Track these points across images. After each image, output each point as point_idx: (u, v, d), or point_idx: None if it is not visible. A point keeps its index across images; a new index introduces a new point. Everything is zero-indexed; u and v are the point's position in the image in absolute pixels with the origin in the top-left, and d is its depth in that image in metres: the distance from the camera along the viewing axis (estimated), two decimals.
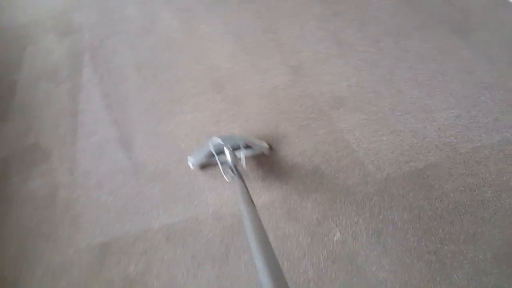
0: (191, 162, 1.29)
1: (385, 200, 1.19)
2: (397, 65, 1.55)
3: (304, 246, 1.10)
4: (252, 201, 0.91)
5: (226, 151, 1.17)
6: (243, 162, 1.20)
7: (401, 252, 1.09)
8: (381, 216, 1.16)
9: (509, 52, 1.57)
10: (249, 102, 1.48)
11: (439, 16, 1.72)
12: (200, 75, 1.59)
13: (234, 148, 1.20)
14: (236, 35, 1.72)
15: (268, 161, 1.30)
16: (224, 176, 1.18)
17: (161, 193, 1.27)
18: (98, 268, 1.14)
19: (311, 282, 1.05)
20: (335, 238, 1.11)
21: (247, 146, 1.25)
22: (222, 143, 1.18)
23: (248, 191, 0.98)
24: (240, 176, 1.07)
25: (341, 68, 1.56)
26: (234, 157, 1.15)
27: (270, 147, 1.34)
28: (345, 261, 1.07)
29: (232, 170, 1.10)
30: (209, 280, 1.09)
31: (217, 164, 1.22)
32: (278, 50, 1.64)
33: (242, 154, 1.23)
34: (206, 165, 1.30)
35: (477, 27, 1.66)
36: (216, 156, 1.19)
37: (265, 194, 1.23)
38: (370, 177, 1.25)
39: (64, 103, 1.55)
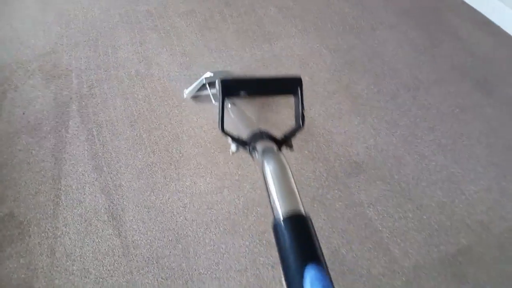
0: (185, 92, 1.48)
1: None
2: (418, 125, 1.41)
3: None
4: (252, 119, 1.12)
5: (217, 82, 1.21)
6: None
7: None
8: None
9: None
10: (255, 166, 1.32)
11: (460, 68, 1.60)
12: (200, 132, 1.43)
13: None
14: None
15: None
16: (213, 101, 1.37)
17: (156, 282, 1.10)
18: None
19: None
20: None
21: None
22: (213, 75, 1.36)
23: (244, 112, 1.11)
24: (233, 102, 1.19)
25: (357, 126, 1.42)
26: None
27: None
28: None
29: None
30: None
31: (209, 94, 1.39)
32: (287, 104, 1.49)
33: None
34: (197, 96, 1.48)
35: (501, 82, 1.54)
36: (208, 87, 1.37)
37: None
38: (396, 265, 1.10)
39: (46, 163, 1.37)
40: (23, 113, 1.53)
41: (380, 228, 1.17)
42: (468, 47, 1.69)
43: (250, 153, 0.78)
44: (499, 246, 1.14)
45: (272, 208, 0.55)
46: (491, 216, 1.20)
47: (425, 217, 1.19)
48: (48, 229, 1.22)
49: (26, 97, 1.59)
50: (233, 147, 0.84)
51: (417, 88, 1.53)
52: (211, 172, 1.32)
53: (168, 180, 1.31)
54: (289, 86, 0.74)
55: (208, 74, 1.37)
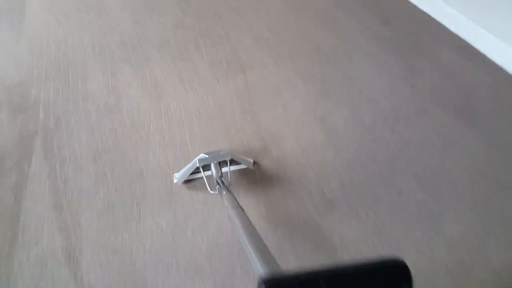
0: (176, 177, 1.33)
1: None
2: (397, 159, 1.36)
3: None
4: (239, 204, 1.01)
5: (212, 166, 1.26)
6: (229, 175, 1.27)
7: None
8: None
9: None
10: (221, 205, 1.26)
11: (441, 97, 1.56)
12: (166, 168, 1.38)
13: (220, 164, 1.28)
14: (210, 116, 1.53)
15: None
16: (209, 188, 1.23)
17: None
18: None
19: None
20: None
21: (233, 161, 1.30)
22: (208, 157, 1.26)
23: (235, 197, 1.07)
24: (226, 187, 1.16)
25: (331, 160, 1.36)
26: (219, 170, 1.25)
27: (255, 162, 1.39)
28: None
29: (218, 183, 1.20)
30: None
31: (202, 178, 1.28)
32: (258, 137, 1.45)
33: (228, 168, 1.27)
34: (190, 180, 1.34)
35: (484, 111, 1.50)
36: (201, 170, 1.27)
37: None
38: None
39: (5, 200, 1.32)
40: None
41: None
42: (449, 75, 1.66)
43: None
44: None
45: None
46: (473, 258, 1.13)
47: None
48: (3, 272, 1.16)
49: None
50: None
51: (396, 121, 1.49)
52: (175, 211, 1.26)
53: (129, 219, 1.25)
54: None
55: (202, 156, 1.25)
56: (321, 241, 1.17)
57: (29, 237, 1.23)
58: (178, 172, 1.33)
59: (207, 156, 1.25)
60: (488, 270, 1.11)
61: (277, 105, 1.56)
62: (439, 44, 1.83)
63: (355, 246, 1.15)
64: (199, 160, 1.24)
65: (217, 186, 1.19)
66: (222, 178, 1.22)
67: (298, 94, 1.61)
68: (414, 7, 2.09)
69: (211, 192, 1.20)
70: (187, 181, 1.34)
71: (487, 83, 1.62)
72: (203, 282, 1.10)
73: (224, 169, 1.26)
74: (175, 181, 1.33)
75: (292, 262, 1.13)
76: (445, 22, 1.94)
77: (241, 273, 1.11)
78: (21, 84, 1.71)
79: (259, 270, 0.57)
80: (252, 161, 1.36)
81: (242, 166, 1.35)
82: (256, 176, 1.35)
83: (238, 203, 1.03)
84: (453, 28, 1.90)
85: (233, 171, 1.35)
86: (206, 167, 1.28)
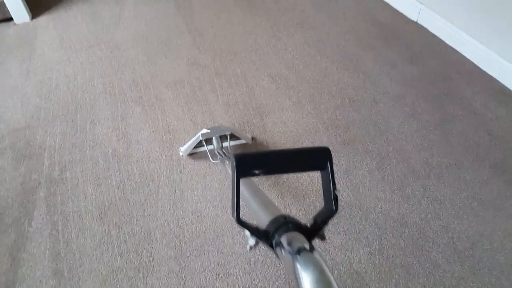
0: (181, 150, 1.47)
1: None
2: (430, 224, 1.23)
3: None
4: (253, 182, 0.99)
5: (213, 139, 1.40)
6: (229, 148, 1.41)
7: None
8: None
9: None
10: (237, 275, 1.14)
11: (476, 149, 1.43)
12: (176, 228, 1.27)
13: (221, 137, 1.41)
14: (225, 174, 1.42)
15: None
16: (210, 158, 1.39)
17: None
18: None
19: None
20: None
21: (232, 136, 1.44)
22: (210, 131, 1.39)
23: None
24: (228, 156, 1.26)
25: (358, 224, 1.24)
26: (220, 143, 1.40)
27: (253, 138, 1.53)
28: None
29: (219, 153, 1.33)
30: None
31: (205, 151, 1.42)
32: (277, 192, 1.33)
33: (228, 142, 1.41)
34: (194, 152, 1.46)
35: None
36: (204, 143, 1.39)
37: None
38: None
39: (2, 264, 1.22)
40: None
41: None
42: (485, 123, 1.53)
43: (274, 248, 0.61)
44: None
45: None
46: None
47: None
48: None
49: None
50: (251, 241, 0.66)
51: (427, 176, 1.36)
52: (185, 283, 1.14)
53: None
54: (316, 159, 0.62)
55: (205, 131, 1.39)
56: None
57: None
58: (183, 146, 1.47)
59: (209, 130, 1.39)
60: None
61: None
62: (473, 87, 1.70)
63: None
64: (202, 135, 1.37)
65: (219, 156, 1.33)
66: (223, 150, 1.36)
67: (319, 141, 1.50)
68: (443, 43, 1.97)
69: (213, 161, 1.40)
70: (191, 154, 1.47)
71: None
72: None
73: (225, 144, 1.41)
74: (180, 154, 1.48)
75: None
76: (476, 61, 1.82)
77: None
78: (27, 127, 1.64)
79: (266, 219, 0.59)
80: (250, 137, 1.51)
81: (242, 141, 1.48)
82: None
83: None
84: (487, 68, 1.77)
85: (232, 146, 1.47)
86: (208, 141, 1.41)
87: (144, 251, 1.23)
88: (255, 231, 0.59)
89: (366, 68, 1.83)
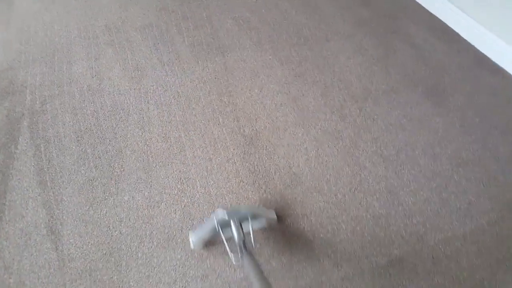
0: (193, 240, 1.19)
1: None
2: (362, 137, 1.46)
3: None
4: (267, 280, 0.89)
5: (233, 226, 1.10)
6: (252, 237, 1.13)
7: None
8: None
9: (485, 120, 1.49)
10: (195, 179, 1.38)
11: (412, 77, 1.65)
12: (143, 146, 1.49)
13: (241, 221, 1.13)
14: (188, 98, 1.64)
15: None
16: (231, 256, 1.09)
17: None
18: None
19: None
20: None
21: (254, 218, 1.19)
22: (227, 217, 1.11)
23: (262, 270, 0.94)
24: (251, 254, 1.03)
25: (300, 139, 1.47)
26: (241, 232, 1.09)
27: (278, 216, 1.27)
28: None
29: (241, 248, 1.05)
30: None
31: (222, 241, 1.14)
32: (233, 117, 1.56)
33: (250, 227, 1.14)
34: (209, 242, 1.22)
35: (452, 91, 1.58)
36: (221, 232, 1.12)
37: None
38: (325, 276, 1.14)
39: None
40: None
41: (312, 239, 1.21)
42: (423, 55, 1.74)
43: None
44: (433, 258, 1.18)
45: None
46: (427, 227, 1.24)
47: (358, 228, 1.23)
48: None
49: None
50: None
51: (365, 99, 1.58)
52: (151, 186, 1.38)
53: (107, 194, 1.37)
54: None
55: (221, 213, 1.12)
56: (283, 211, 1.28)
57: (15, 212, 1.36)
58: (193, 231, 1.21)
59: (224, 211, 1.13)
60: (439, 237, 1.22)
61: (253, 86, 1.66)
62: (415, 24, 1.90)
63: (315, 215, 1.27)
64: (218, 221, 1.12)
65: (239, 252, 1.05)
66: (245, 242, 1.07)
67: (274, 75, 1.71)
68: None
69: (235, 263, 1.12)
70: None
71: (460, 63, 1.70)
72: (174, 250, 1.23)
73: (246, 228, 1.14)
74: (191, 246, 1.20)
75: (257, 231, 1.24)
76: (422, 1, 2.01)
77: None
78: (9, 69, 1.83)
79: None
80: (275, 216, 1.25)
81: (263, 224, 1.23)
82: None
83: (262, 272, 0.94)
84: (430, 8, 1.97)
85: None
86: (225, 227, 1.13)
87: (116, 164, 1.45)
88: None
89: (322, 11, 2.03)
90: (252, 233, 1.13)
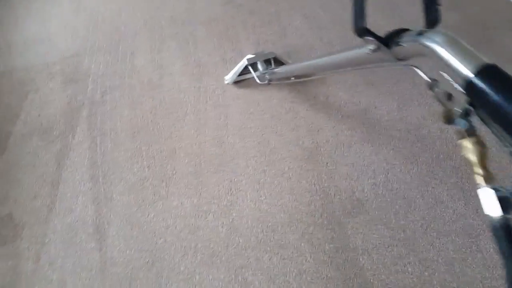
0: (227, 79, 1.59)
1: None
2: (440, 164, 1.28)
3: None
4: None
5: (259, 63, 1.52)
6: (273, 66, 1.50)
7: None
8: None
9: None
10: (246, 191, 1.29)
11: None
12: (196, 149, 1.43)
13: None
14: (246, 101, 1.55)
15: None
16: (258, 81, 1.51)
17: None
18: None
19: None
20: None
21: (276, 60, 1.56)
22: (254, 56, 1.52)
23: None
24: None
25: (368, 158, 1.32)
26: (265, 65, 1.52)
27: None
28: None
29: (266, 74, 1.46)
30: None
31: (252, 74, 1.53)
32: (293, 125, 1.44)
33: (272, 62, 1.54)
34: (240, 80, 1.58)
35: None
36: (251, 68, 1.52)
37: None
38: None
39: (48, 168, 1.47)
40: (39, 115, 1.66)
41: (372, 281, 1.08)
42: None
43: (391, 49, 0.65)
44: None
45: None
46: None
47: (426, 273, 1.08)
48: (38, 234, 1.31)
49: (44, 99, 1.71)
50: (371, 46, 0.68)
51: None
52: (200, 194, 1.31)
53: (156, 197, 1.33)
54: None
55: (249, 56, 1.52)
56: (341, 242, 1.16)
57: (65, 206, 1.37)
58: (227, 75, 1.60)
59: (253, 55, 1.52)
60: None
61: (319, 94, 1.53)
62: None
63: (378, 253, 1.13)
64: (248, 59, 1.51)
65: (267, 79, 1.46)
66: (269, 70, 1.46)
67: (343, 83, 1.56)
68: None
69: (260, 82, 1.50)
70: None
71: None
72: (217, 269, 1.15)
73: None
74: (225, 82, 1.60)
75: (308, 259, 1.13)
76: None
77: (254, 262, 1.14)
78: (76, 56, 1.86)
79: None
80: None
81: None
82: None
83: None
84: None
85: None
86: (253, 66, 1.53)
87: (169, 166, 1.41)
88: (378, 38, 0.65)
89: (402, 11, 1.82)
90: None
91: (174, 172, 1.39)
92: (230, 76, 1.59)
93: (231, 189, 1.31)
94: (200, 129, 1.49)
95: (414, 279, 1.07)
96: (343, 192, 1.26)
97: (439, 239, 1.13)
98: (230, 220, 1.24)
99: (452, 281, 1.06)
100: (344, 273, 1.10)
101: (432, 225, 1.16)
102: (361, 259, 1.12)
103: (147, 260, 1.20)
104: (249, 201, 1.28)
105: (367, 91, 1.51)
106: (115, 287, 1.16)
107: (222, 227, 1.23)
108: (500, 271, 1.06)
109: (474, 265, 1.08)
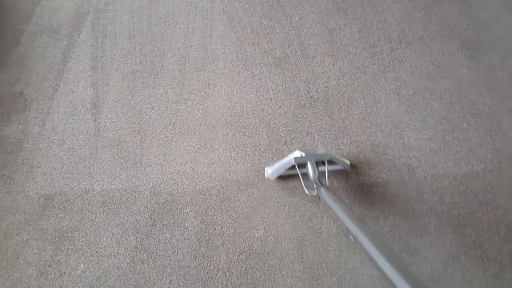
0: (268, 173, 1.32)
1: (320, 207, 1.25)
2: (385, 74, 1.54)
3: None
4: (351, 211, 0.96)
5: (309, 165, 1.21)
6: (326, 176, 1.23)
7: (318, 263, 1.15)
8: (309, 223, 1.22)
9: None
10: (221, 87, 1.57)
11: (453, 29, 1.66)
12: (183, 52, 1.69)
13: (317, 163, 1.24)
14: (230, 17, 1.80)
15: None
16: (305, 189, 1.20)
17: (112, 159, 1.42)
18: (37, 217, 1.31)
19: None
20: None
21: (330, 162, 1.27)
22: (304, 156, 1.23)
23: (342, 202, 1.02)
24: (327, 187, 1.12)
25: (325, 67, 1.59)
26: (316, 170, 1.20)
27: (352, 165, 1.35)
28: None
29: (317, 183, 1.16)
30: (128, 249, 1.22)
31: (298, 176, 1.28)
32: (268, 39, 1.70)
33: (326, 168, 1.24)
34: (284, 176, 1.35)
35: (489, 48, 1.59)
36: (297, 168, 1.23)
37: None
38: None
39: (56, 59, 1.74)
40: (49, 18, 1.91)
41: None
42: (470, 10, 1.73)
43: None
44: (418, 188, 1.28)
45: None
46: (421, 162, 1.33)
47: (355, 151, 1.36)
48: (44, 107, 1.59)
49: (55, 6, 1.96)
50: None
51: (399, 42, 1.64)
52: (182, 86, 1.59)
53: (145, 86, 1.61)
54: None
55: (298, 153, 1.25)
56: (292, 126, 1.44)
57: (68, 87, 1.64)
58: (269, 167, 1.34)
59: (303, 154, 1.24)
60: (430, 172, 1.31)
61: (294, 14, 1.78)
62: None
63: (319, 134, 1.41)
64: (295, 159, 1.23)
65: (315, 186, 1.16)
66: (320, 179, 1.18)
67: (317, 6, 1.80)
68: None
69: (307, 193, 1.19)
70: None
71: (506, 23, 1.67)
72: (191, 139, 1.44)
73: (321, 169, 1.23)
74: (266, 175, 1.34)
75: (264, 137, 1.42)
76: None
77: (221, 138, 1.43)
78: None
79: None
80: (349, 163, 1.32)
81: (339, 167, 1.32)
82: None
83: (340, 199, 1.04)
84: None
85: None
86: (302, 166, 1.25)
87: (157, 63, 1.67)
88: None
89: None
90: (326, 173, 1.22)
91: (161, 68, 1.66)
92: (272, 171, 1.32)
93: (209, 84, 1.59)
94: (187, 36, 1.75)
95: (344, 154, 1.36)
96: (301, 91, 1.53)
97: (371, 128, 1.41)
98: (206, 107, 1.52)
99: (375, 157, 1.35)
100: (290, 147, 1.39)
101: (367, 118, 1.44)
102: (305, 139, 1.41)
103: (134, 129, 1.49)
104: (223, 93, 1.55)
105: (337, 15, 1.76)
106: (106, 147, 1.46)
107: (198, 111, 1.52)
108: (415, 153, 1.35)
109: (395, 148, 1.36)
